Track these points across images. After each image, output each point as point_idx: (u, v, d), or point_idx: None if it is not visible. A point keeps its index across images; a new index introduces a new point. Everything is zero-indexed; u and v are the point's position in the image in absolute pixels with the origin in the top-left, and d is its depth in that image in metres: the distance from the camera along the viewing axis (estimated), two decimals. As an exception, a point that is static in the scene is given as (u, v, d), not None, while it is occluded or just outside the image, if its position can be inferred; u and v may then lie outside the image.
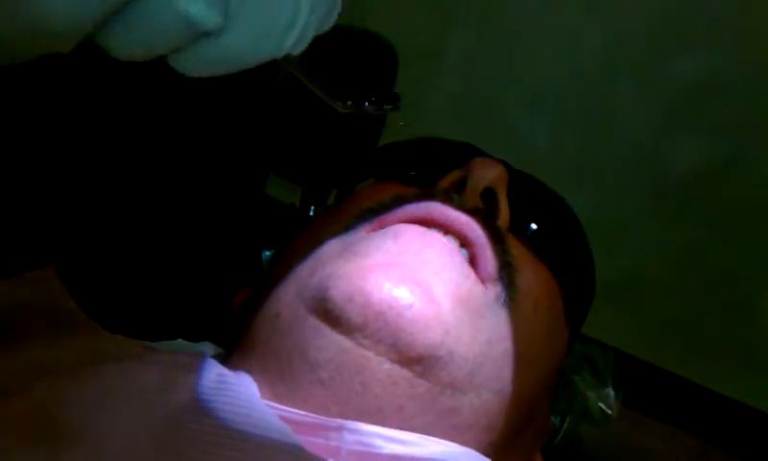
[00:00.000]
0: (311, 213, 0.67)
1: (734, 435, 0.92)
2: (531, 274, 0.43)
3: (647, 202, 1.43)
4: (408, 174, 0.47)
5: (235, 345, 0.44)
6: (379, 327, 0.36)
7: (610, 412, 0.67)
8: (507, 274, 0.41)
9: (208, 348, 0.46)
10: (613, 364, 0.68)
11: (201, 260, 0.59)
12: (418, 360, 0.37)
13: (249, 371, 0.40)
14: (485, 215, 0.42)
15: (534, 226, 0.46)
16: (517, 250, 0.44)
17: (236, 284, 0.52)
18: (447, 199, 0.42)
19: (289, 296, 0.40)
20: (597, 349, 0.68)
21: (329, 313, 0.37)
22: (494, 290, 0.41)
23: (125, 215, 0.57)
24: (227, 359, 0.44)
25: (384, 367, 0.37)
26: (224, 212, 0.61)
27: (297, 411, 0.37)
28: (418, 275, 0.38)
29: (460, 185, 0.44)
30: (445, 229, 0.41)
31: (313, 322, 0.38)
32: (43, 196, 0.54)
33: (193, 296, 0.57)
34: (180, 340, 0.46)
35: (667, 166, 1.17)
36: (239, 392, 0.37)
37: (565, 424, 0.62)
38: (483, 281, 0.40)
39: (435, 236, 0.40)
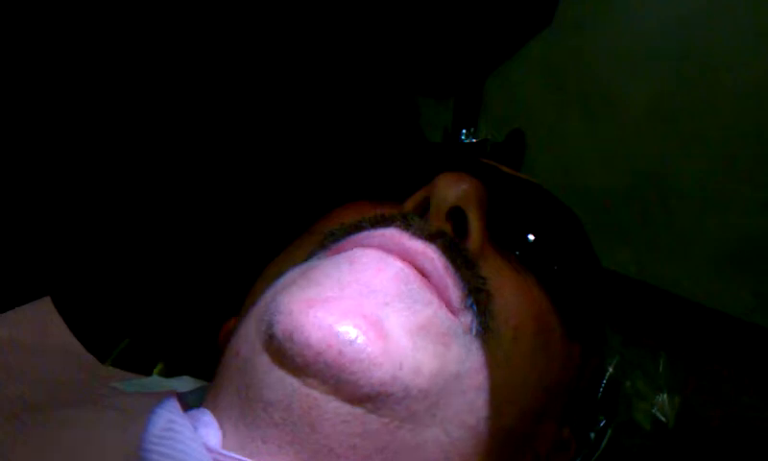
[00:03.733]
0: (462, 137, 0.63)
1: None
2: (512, 296, 0.39)
3: (759, 160, 1.32)
4: (379, 192, 0.44)
5: (213, 378, 0.42)
6: (320, 367, 0.34)
7: (664, 420, 0.61)
8: (477, 301, 0.37)
9: (185, 382, 0.45)
10: (667, 366, 0.62)
11: (208, 286, 0.57)
12: (366, 399, 0.34)
13: (216, 408, 0.39)
14: (450, 239, 0.38)
15: (522, 239, 0.42)
16: (497, 270, 0.40)
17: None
18: (405, 225, 0.38)
19: (249, 331, 0.39)
20: (648, 351, 0.62)
21: (275, 351, 0.35)
22: (464, 321, 0.37)
23: (128, 228, 0.56)
24: (206, 394, 0.42)
25: (331, 405, 0.34)
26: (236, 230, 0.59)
27: (240, 458, 0.35)
28: (365, 306, 0.35)
29: (425, 207, 0.40)
30: (402, 259, 0.37)
31: (265, 360, 0.36)
32: (41, 220, 0.54)
33: (198, 322, 0.56)
34: (154, 376, 0.45)
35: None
36: (180, 441, 0.35)
37: (605, 440, 0.57)
38: (451, 312, 0.37)
39: (391, 260, 0.37)
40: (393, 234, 0.38)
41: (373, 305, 0.35)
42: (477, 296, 0.38)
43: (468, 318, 0.37)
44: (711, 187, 1.34)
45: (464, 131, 0.64)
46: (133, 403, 0.40)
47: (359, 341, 0.34)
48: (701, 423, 0.66)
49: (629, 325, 0.68)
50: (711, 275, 1.35)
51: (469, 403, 0.37)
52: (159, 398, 0.40)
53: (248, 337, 0.38)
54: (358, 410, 0.34)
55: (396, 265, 0.37)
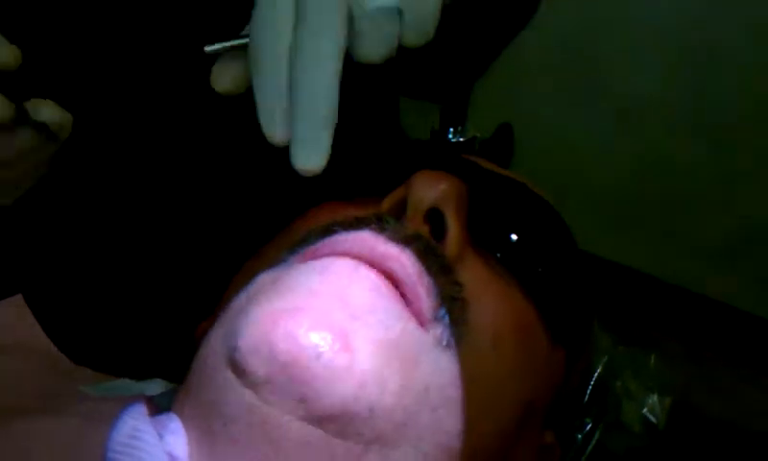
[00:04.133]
0: (450, 136, 0.62)
1: None
2: (490, 304, 0.38)
3: (759, 154, 1.31)
4: (359, 190, 0.42)
5: (184, 380, 0.41)
6: (284, 382, 0.32)
7: (654, 421, 0.60)
8: (451, 310, 0.36)
9: (156, 385, 0.43)
10: (658, 366, 0.61)
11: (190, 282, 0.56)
12: (330, 418, 0.32)
13: (183, 414, 0.37)
14: (426, 243, 0.37)
15: (504, 241, 0.40)
16: (476, 275, 0.38)
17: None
18: (380, 228, 0.36)
19: (217, 338, 0.37)
20: (638, 351, 0.60)
21: (237, 365, 0.34)
22: (435, 333, 0.35)
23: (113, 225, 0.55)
24: (176, 395, 0.41)
25: (293, 425, 0.33)
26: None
27: None
28: (333, 319, 0.33)
29: (402, 207, 0.38)
30: (372, 265, 0.35)
31: (226, 373, 0.34)
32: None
33: (175, 320, 0.54)
34: (124, 379, 0.43)
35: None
36: (143, 450, 0.34)
37: (592, 442, 0.56)
38: (421, 323, 0.35)
39: (364, 270, 0.35)
40: (366, 238, 0.36)
41: (343, 319, 0.34)
42: (451, 305, 0.36)
43: (438, 330, 0.36)
44: (712, 180, 1.33)
45: (451, 129, 0.63)
46: (100, 409, 0.39)
47: (326, 355, 0.32)
48: (699, 414, 0.65)
49: (626, 315, 0.66)
50: (711, 266, 1.34)
51: (439, 420, 0.35)
52: (127, 402, 0.39)
53: (215, 347, 0.37)
54: (322, 432, 0.33)
55: (370, 276, 0.35)
